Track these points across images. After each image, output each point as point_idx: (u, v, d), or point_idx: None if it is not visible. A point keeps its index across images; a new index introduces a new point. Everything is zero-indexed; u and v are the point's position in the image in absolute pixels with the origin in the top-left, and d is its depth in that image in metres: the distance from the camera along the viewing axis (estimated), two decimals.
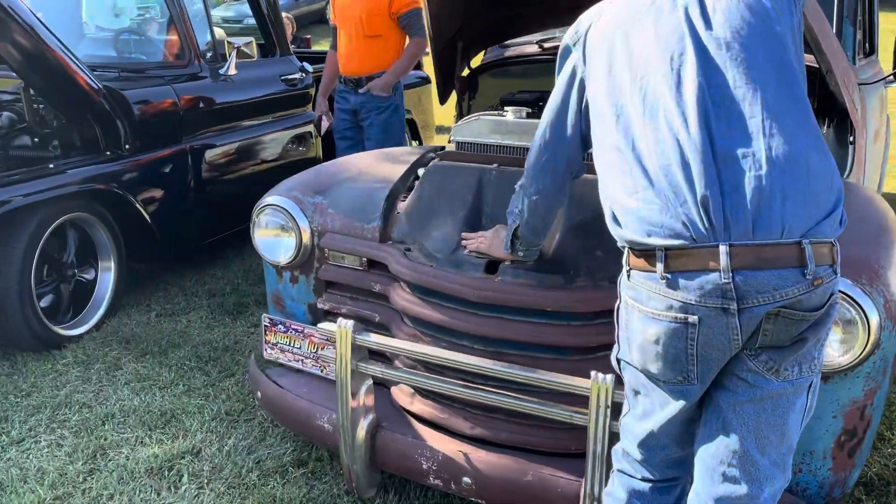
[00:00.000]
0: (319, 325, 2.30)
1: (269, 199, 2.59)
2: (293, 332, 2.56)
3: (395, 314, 2.39)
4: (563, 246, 2.14)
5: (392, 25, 4.18)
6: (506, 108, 2.46)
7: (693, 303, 1.43)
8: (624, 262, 1.58)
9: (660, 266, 1.46)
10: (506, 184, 2.32)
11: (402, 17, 4.14)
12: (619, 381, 1.82)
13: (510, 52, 3.53)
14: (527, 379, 1.96)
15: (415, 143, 6.56)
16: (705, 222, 1.40)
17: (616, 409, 1.84)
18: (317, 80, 5.20)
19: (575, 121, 1.78)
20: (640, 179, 1.49)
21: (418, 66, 6.83)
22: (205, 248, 4.34)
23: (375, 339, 2.20)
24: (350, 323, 2.20)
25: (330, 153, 5.43)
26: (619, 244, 1.60)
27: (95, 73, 3.66)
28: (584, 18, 1.76)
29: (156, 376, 3.21)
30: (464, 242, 2.25)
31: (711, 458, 1.54)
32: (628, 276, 1.56)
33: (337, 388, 2.23)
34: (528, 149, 2.33)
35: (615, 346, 1.68)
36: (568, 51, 1.78)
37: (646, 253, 1.50)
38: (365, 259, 2.45)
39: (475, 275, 2.15)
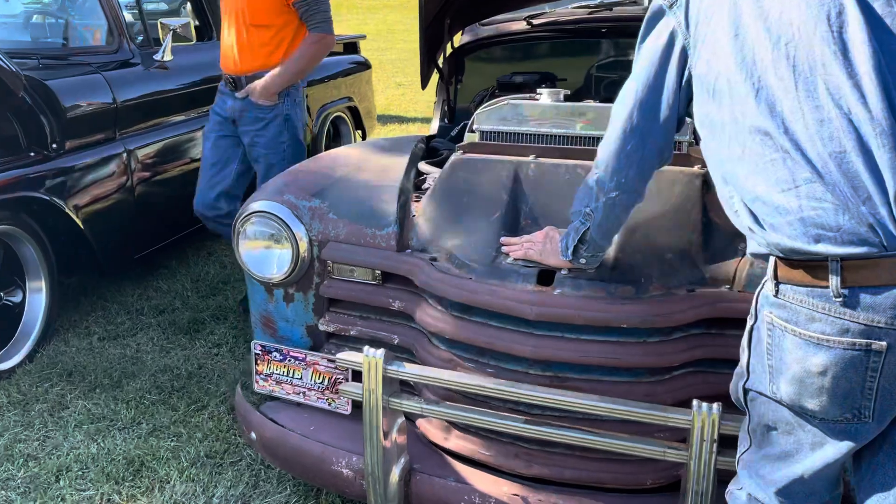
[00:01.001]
0: (339, 356, 1.93)
1: (256, 204, 2.18)
2: (292, 361, 2.18)
3: (419, 335, 2.04)
4: (628, 249, 1.84)
5: (285, 13, 3.16)
6: (539, 91, 2.13)
7: (881, 325, 1.15)
8: (769, 273, 1.30)
9: (834, 280, 1.17)
10: (547, 178, 2.00)
11: (299, 2, 3.12)
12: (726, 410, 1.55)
13: (491, 31, 3.20)
14: (613, 412, 1.66)
15: (358, 135, 6.16)
16: None
17: (723, 443, 1.57)
18: None
19: (673, 100, 1.48)
20: (801, 170, 1.20)
21: (354, 49, 6.42)
22: (147, 258, 3.84)
23: (414, 371, 1.84)
24: (380, 352, 1.83)
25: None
26: (759, 250, 1.32)
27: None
28: None
29: (112, 415, 2.74)
30: (505, 249, 1.92)
31: None
32: (776, 291, 1.27)
33: (365, 427, 1.87)
34: (570, 138, 2.04)
35: (742, 374, 1.40)
36: (660, 13, 1.47)
37: (808, 263, 1.21)
38: (379, 272, 2.09)
39: (527, 287, 1.82)
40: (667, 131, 1.51)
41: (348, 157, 2.52)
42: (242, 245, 2.20)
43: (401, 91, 10.26)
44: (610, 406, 1.65)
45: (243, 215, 2.19)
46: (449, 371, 1.86)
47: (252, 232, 2.19)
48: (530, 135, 2.04)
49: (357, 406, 2.04)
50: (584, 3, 3.11)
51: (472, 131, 2.16)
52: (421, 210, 2.14)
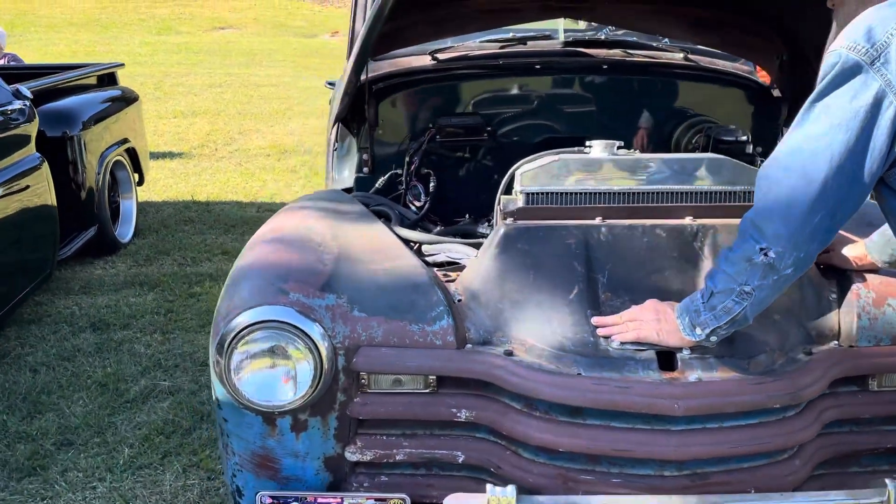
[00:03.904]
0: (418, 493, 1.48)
1: (249, 315, 1.63)
2: None
3: (497, 449, 1.66)
4: None
5: None
6: (588, 143, 1.86)
7: None
8: None
9: None
10: (622, 242, 1.75)
11: None
12: None
13: (390, 67, 2.83)
14: None
15: (136, 177, 5.27)
16: None
17: None
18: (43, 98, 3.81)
19: (877, 166, 1.33)
20: None
21: (112, 80, 5.46)
22: None
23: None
24: (510, 489, 1.44)
25: (69, 208, 4.07)
26: None
27: None
28: (875, 24, 1.31)
29: None
30: (602, 331, 1.63)
31: None
32: None
33: None
34: (640, 194, 1.81)
35: None
36: (856, 69, 1.31)
37: None
38: (433, 378, 1.67)
39: (653, 377, 1.56)
40: (861, 199, 1.36)
41: (309, 230, 2.01)
42: (244, 371, 1.63)
43: (188, 122, 9.08)
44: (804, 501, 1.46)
45: (233, 332, 1.62)
46: (606, 497, 1.52)
47: (253, 351, 1.63)
48: (592, 194, 1.77)
49: None
50: (493, 38, 2.90)
51: (518, 193, 1.82)
52: (466, 293, 1.76)
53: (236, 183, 6.54)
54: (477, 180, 2.67)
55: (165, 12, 20.71)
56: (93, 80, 5.23)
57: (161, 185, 6.38)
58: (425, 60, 2.86)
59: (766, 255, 1.41)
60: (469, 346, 1.68)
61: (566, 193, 1.78)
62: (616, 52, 2.86)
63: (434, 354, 1.65)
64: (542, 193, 1.79)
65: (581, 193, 1.78)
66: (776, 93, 2.79)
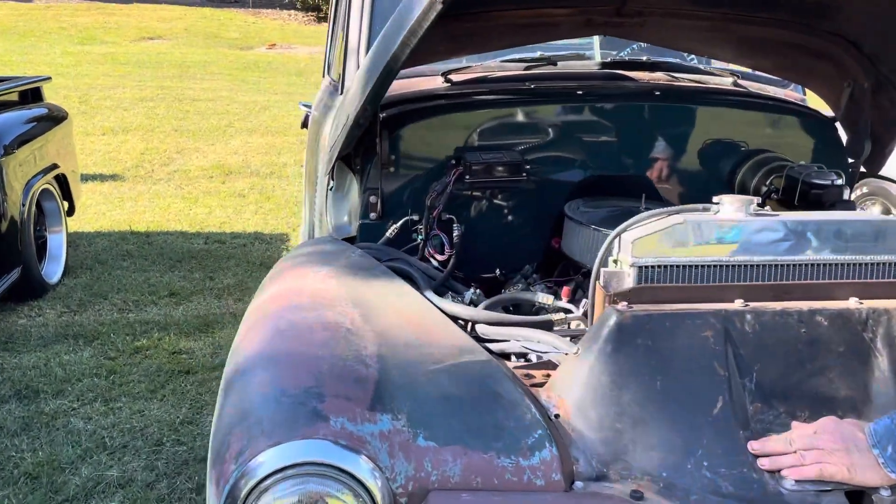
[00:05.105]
0: None
1: (281, 454, 1.13)
2: None
3: None
4: None
5: None
6: (715, 199, 1.41)
7: None
8: None
9: None
10: (773, 334, 1.31)
11: None
12: None
13: (398, 90, 2.34)
14: None
15: (65, 206, 4.62)
16: None
17: None
18: None
19: None
20: None
21: (37, 96, 4.78)
22: None
23: None
24: None
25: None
26: None
27: None
28: None
29: None
30: (767, 463, 1.19)
31: None
32: None
33: None
34: (787, 267, 1.38)
35: None
36: None
37: None
38: None
39: None
40: None
41: (331, 305, 1.51)
42: None
43: (120, 139, 8.29)
44: None
45: (251, 484, 1.12)
46: None
47: None
48: (729, 267, 1.34)
49: None
50: (516, 57, 2.44)
51: (617, 263, 1.36)
52: (565, 405, 1.29)
53: (178, 209, 5.91)
54: (508, 228, 2.22)
55: (88, 21, 19.59)
56: (14, 97, 4.55)
57: (93, 212, 5.69)
58: (437, 82, 2.39)
59: None
60: (579, 483, 1.21)
61: (695, 267, 1.34)
62: (659, 76, 2.46)
63: (536, 500, 1.18)
64: (662, 267, 1.34)
65: (714, 267, 1.34)
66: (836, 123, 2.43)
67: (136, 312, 3.93)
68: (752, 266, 1.35)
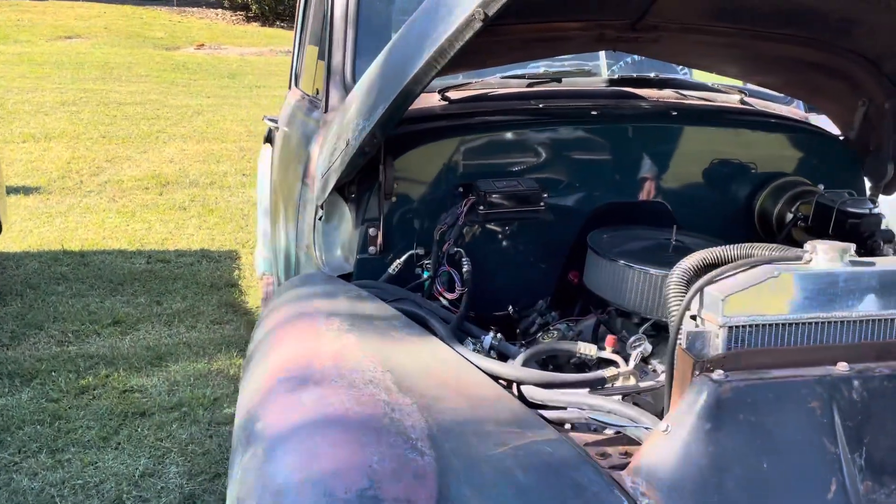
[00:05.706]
0: None
1: None
2: None
3: None
4: None
5: None
6: (807, 246, 1.25)
7: None
8: None
9: None
10: (881, 401, 1.16)
11: None
12: None
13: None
14: None
15: None
16: None
17: None
18: None
19: None
20: None
21: None
22: None
23: None
24: None
25: None
26: None
27: None
28: None
29: None
30: None
31: None
32: None
33: None
34: (891, 322, 1.23)
35: None
36: None
37: None
38: None
39: None
40: None
41: (361, 371, 1.29)
42: None
43: (42, 147, 7.71)
44: None
45: None
46: None
47: None
48: (828, 325, 1.18)
49: None
50: (517, 73, 2.26)
51: (699, 319, 1.19)
52: (655, 491, 1.11)
53: (114, 225, 5.50)
54: (518, 261, 2.04)
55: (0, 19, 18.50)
56: None
57: (18, 229, 5.23)
58: (433, 100, 2.19)
59: None
60: None
61: (792, 325, 1.18)
62: (668, 93, 2.32)
63: None
64: (755, 326, 1.18)
65: (812, 324, 1.18)
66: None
67: (77, 345, 3.57)
68: (852, 322, 1.20)
